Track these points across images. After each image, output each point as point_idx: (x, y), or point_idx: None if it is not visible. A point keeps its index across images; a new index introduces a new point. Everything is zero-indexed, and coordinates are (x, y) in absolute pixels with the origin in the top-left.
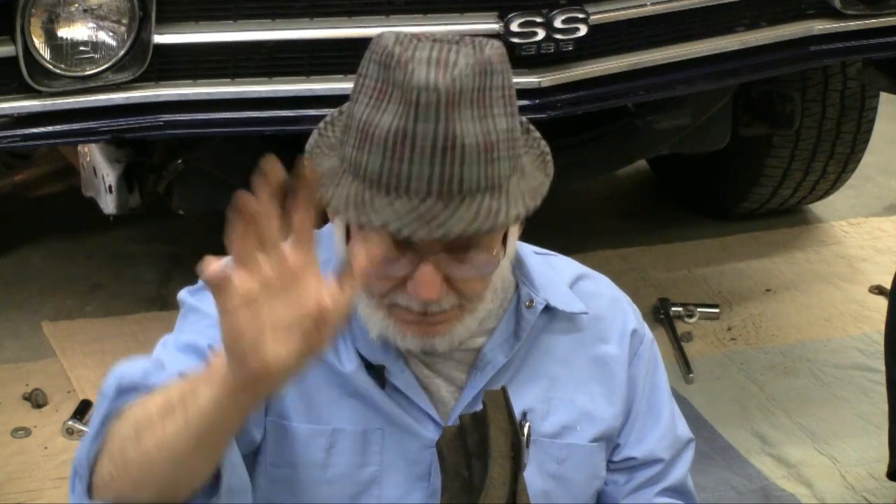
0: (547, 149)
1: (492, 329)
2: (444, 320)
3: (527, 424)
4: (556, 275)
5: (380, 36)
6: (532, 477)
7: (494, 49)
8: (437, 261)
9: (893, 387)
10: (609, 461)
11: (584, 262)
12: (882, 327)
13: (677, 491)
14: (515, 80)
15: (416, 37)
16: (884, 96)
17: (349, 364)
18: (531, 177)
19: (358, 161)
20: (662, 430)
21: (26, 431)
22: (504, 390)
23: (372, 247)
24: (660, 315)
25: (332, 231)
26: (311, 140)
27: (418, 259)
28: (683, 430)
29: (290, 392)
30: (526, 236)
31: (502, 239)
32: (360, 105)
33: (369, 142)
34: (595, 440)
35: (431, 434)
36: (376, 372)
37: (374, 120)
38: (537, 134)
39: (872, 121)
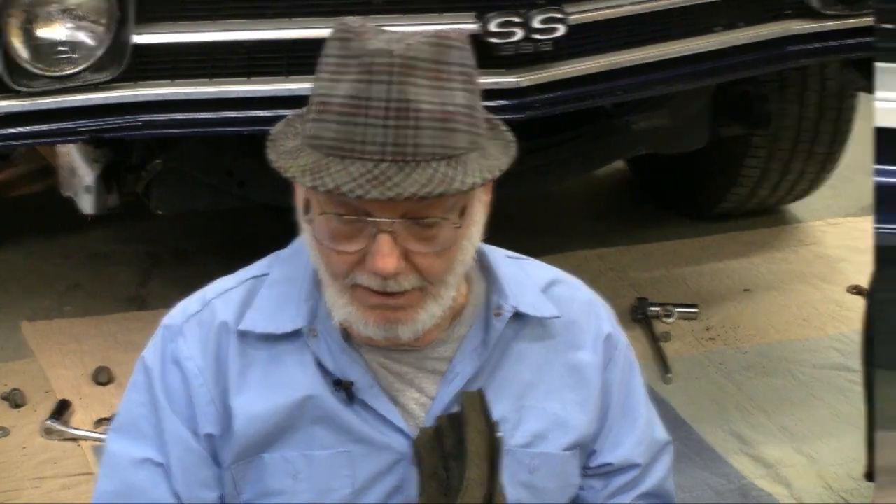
0: (512, 137)
1: (463, 337)
2: (406, 304)
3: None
4: (529, 279)
5: (343, 19)
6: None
7: (454, 30)
8: (395, 233)
9: (870, 387)
10: (585, 467)
11: (562, 262)
12: (860, 327)
13: (655, 494)
14: (494, 79)
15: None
16: (863, 96)
17: (315, 385)
18: (493, 157)
19: (316, 133)
20: (638, 435)
21: (4, 431)
22: (481, 392)
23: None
24: (638, 315)
25: (301, 247)
26: (277, 127)
27: (376, 232)
28: (661, 433)
29: (257, 423)
30: (504, 236)
31: (460, 212)
32: (319, 82)
33: (326, 112)
34: (567, 448)
35: (402, 447)
36: (344, 388)
37: (331, 91)
38: (504, 127)
39: (850, 121)
